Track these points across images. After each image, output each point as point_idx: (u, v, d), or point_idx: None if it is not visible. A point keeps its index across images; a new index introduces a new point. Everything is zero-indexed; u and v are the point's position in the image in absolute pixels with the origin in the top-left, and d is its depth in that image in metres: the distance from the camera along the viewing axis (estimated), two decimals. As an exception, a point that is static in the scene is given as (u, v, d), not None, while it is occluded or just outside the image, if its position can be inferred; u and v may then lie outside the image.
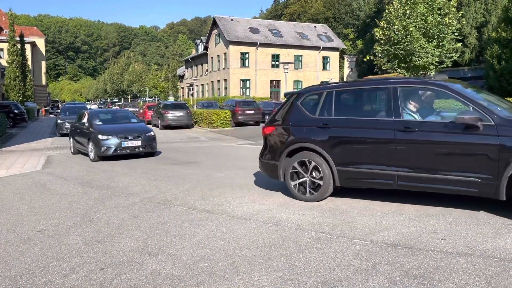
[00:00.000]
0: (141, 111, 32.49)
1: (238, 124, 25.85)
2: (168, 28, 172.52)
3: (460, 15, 23.01)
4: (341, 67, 56.07)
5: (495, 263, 3.91)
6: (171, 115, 24.79)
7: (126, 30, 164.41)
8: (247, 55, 47.44)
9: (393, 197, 6.40)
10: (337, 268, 3.93)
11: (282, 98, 39.60)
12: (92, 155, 12.11)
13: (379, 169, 5.80)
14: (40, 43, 64.72)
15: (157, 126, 25.38)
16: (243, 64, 47.55)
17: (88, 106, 34.38)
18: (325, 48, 50.57)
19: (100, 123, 13.06)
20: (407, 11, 22.16)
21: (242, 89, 47.47)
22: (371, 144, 5.90)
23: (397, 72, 23.54)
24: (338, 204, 6.23)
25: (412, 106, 5.87)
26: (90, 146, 12.19)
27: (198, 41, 62.20)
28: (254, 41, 46.97)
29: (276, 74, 48.25)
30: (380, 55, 24.68)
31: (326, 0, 72.79)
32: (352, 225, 5.22)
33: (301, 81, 49.44)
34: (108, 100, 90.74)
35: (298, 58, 49.35)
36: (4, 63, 51.55)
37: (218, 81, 50.34)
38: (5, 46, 50.19)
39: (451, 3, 22.50)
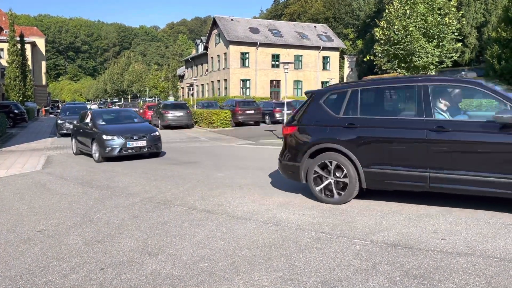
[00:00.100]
0: (141, 111, 32.48)
1: (238, 124, 25.86)
2: (168, 28, 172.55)
3: (460, 15, 23.03)
4: (341, 67, 56.06)
5: (495, 263, 3.91)
6: (171, 115, 24.79)
7: (126, 30, 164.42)
8: (247, 55, 47.44)
9: (393, 197, 6.40)
10: (337, 268, 3.93)
11: (283, 98, 39.61)
12: (96, 155, 11.92)
13: (410, 170, 5.60)
14: (40, 43, 64.73)
15: (157, 126, 25.29)
16: (243, 64, 47.55)
17: (88, 106, 34.36)
18: (325, 48, 50.55)
19: (104, 123, 12.83)
20: (407, 11, 22.18)
21: (242, 89, 47.47)
22: (401, 145, 5.70)
23: (397, 72, 23.56)
24: (338, 204, 6.22)
25: (442, 104, 5.70)
26: (94, 147, 11.99)
27: (198, 41, 62.20)
28: (254, 41, 46.97)
29: (276, 74, 48.25)
30: (380, 55, 24.71)
31: (326, 0, 72.79)
32: (352, 225, 5.22)
33: (301, 81, 49.47)
34: (108, 100, 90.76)
35: (298, 58, 49.34)
36: (4, 63, 51.57)
37: (218, 81, 50.34)
38: (5, 46, 50.20)
39: (451, 3, 22.52)
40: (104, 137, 11.75)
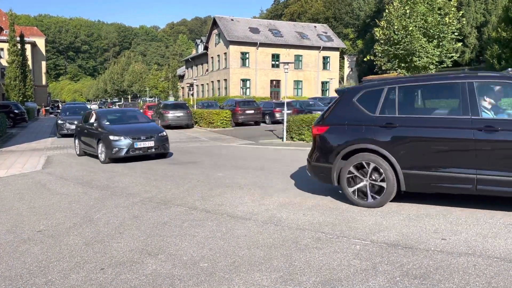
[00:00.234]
0: (141, 111, 32.48)
1: (238, 124, 25.85)
2: (168, 28, 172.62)
3: (460, 15, 23.04)
4: (341, 67, 56.11)
5: (495, 263, 3.91)
6: (171, 115, 24.79)
7: (126, 30, 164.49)
8: (247, 55, 47.44)
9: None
10: (337, 268, 3.92)
11: (283, 98, 39.57)
12: (102, 156, 11.53)
13: (455, 172, 5.32)
14: (40, 43, 64.72)
15: (157, 126, 25.38)
16: (243, 64, 47.55)
17: (88, 106, 34.35)
18: (325, 48, 50.55)
19: (110, 123, 12.45)
20: (407, 11, 22.19)
21: (242, 89, 47.47)
22: (445, 145, 5.41)
23: (397, 72, 23.57)
24: (338, 204, 6.22)
25: (487, 103, 5.43)
26: (100, 148, 11.60)
27: (198, 41, 62.22)
28: (254, 41, 46.97)
29: (276, 74, 48.25)
30: (380, 55, 24.71)
31: (326, 0, 72.83)
32: (352, 225, 5.22)
33: (301, 81, 49.49)
34: (108, 100, 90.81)
35: (298, 58, 49.34)
36: (4, 63, 51.56)
37: (218, 81, 50.34)
38: (5, 46, 50.20)
39: (451, 3, 22.53)
40: (111, 137, 11.38)
